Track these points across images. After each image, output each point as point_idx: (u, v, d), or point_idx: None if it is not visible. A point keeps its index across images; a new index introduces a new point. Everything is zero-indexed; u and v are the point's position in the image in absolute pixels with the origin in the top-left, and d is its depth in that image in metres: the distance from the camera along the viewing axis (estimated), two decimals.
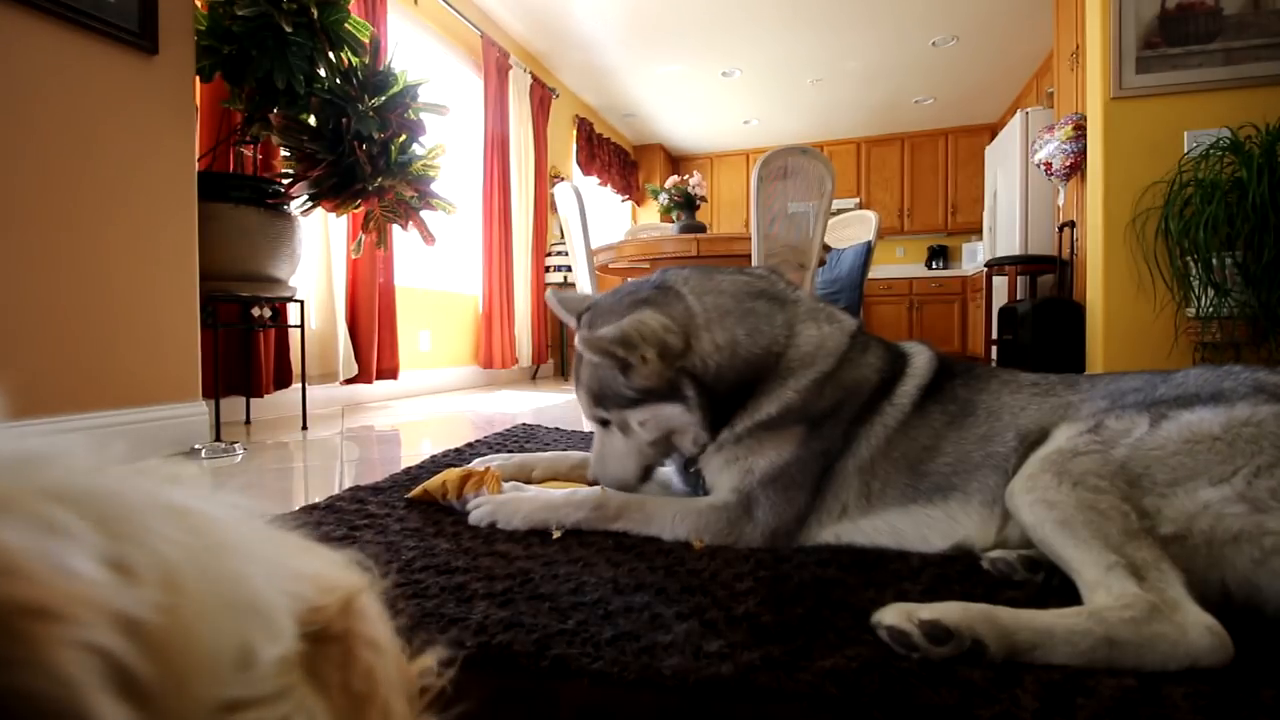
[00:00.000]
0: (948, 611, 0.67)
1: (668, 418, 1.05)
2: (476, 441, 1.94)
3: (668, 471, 1.31)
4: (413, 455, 2.01)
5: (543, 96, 5.60)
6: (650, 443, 1.09)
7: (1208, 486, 0.76)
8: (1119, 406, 0.90)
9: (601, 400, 1.08)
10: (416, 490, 1.23)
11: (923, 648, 0.65)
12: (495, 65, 4.87)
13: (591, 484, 1.27)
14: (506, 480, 1.22)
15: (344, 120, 2.35)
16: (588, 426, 1.11)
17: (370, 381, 3.55)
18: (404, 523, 1.12)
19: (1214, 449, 0.78)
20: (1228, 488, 0.75)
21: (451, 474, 1.19)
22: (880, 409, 1.04)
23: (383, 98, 2.43)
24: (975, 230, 7.18)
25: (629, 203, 7.91)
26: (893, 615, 0.69)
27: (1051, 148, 3.94)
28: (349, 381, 3.42)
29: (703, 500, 1.06)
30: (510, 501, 1.09)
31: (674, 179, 3.78)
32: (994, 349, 4.56)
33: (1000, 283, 4.73)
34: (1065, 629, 0.66)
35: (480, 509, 1.10)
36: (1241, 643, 0.66)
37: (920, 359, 1.11)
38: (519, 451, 1.75)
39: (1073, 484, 0.80)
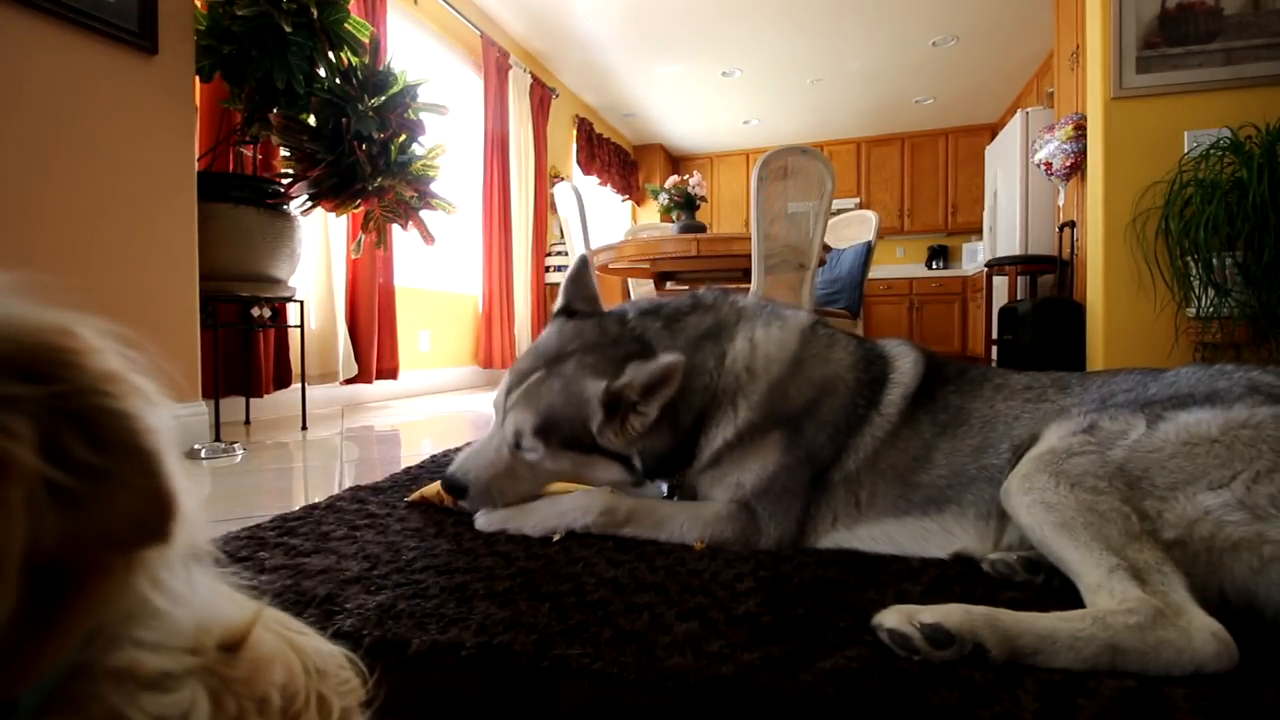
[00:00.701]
0: (949, 614, 0.67)
1: (602, 473, 1.07)
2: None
3: None
4: (413, 455, 2.01)
5: (543, 96, 5.60)
6: (560, 478, 1.10)
7: (1207, 491, 0.75)
8: (1111, 406, 0.89)
9: (550, 433, 1.03)
10: (414, 495, 1.23)
11: (924, 651, 0.65)
12: (495, 65, 4.87)
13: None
14: None
15: (344, 120, 2.35)
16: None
17: (370, 381, 3.55)
18: (405, 523, 1.12)
19: (1212, 452, 0.77)
20: (1227, 493, 0.74)
21: None
22: (868, 418, 1.02)
23: (383, 98, 2.43)
24: (975, 230, 7.18)
25: (629, 203, 7.91)
26: (894, 618, 0.68)
27: (1051, 148, 3.94)
28: (349, 381, 3.42)
29: (709, 507, 1.05)
30: (520, 510, 1.08)
31: (674, 179, 3.78)
32: (994, 349, 4.56)
33: (1000, 283, 4.73)
34: (1068, 634, 0.65)
35: (488, 518, 1.08)
36: (1242, 642, 0.66)
37: (905, 362, 1.08)
38: None
39: (1071, 485, 0.79)
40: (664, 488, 1.19)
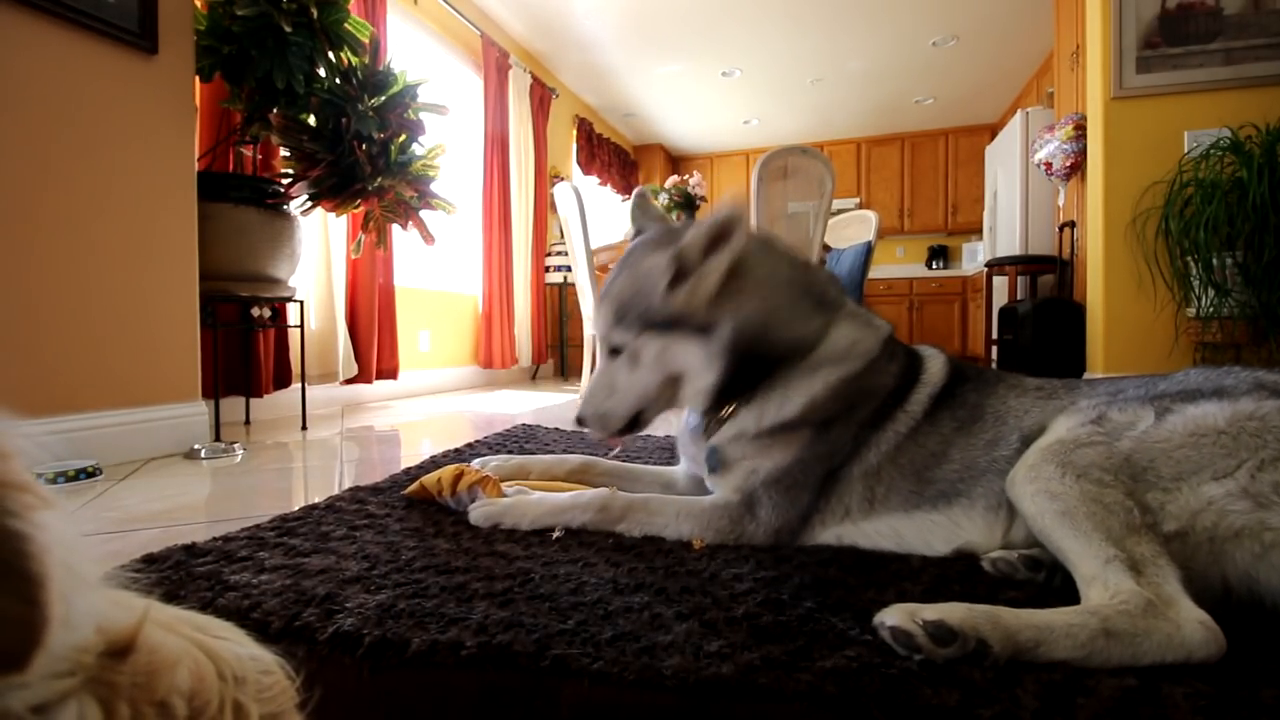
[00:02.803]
0: (952, 612, 0.67)
1: (685, 359, 1.04)
2: (476, 442, 1.94)
3: (670, 471, 1.31)
4: (413, 455, 2.01)
5: (542, 96, 5.60)
6: (656, 384, 1.06)
7: (1211, 481, 0.76)
8: (1120, 399, 0.90)
9: (624, 316, 1.06)
10: (413, 486, 1.24)
11: (926, 649, 0.65)
12: (495, 65, 4.87)
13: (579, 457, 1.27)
14: (505, 482, 1.22)
15: (344, 120, 2.35)
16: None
17: (370, 381, 3.55)
18: (404, 523, 1.12)
19: (1218, 442, 0.78)
20: (1231, 482, 0.75)
21: (446, 471, 1.19)
22: (893, 415, 1.03)
23: (382, 97, 2.43)
24: (975, 230, 7.18)
25: (629, 203, 7.90)
26: (895, 616, 0.68)
27: (1052, 148, 3.94)
28: (349, 381, 3.42)
29: (705, 500, 1.06)
30: (516, 505, 1.09)
31: (674, 179, 3.79)
32: (994, 349, 4.56)
33: (1000, 283, 4.73)
34: (1064, 623, 0.67)
35: (484, 510, 1.10)
36: (1242, 642, 0.66)
37: (935, 363, 1.10)
38: (519, 452, 1.75)
39: (1076, 476, 0.80)
40: (681, 480, 1.22)
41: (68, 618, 0.26)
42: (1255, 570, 0.72)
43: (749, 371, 1.04)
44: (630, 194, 7.73)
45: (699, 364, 1.04)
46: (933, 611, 0.67)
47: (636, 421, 1.11)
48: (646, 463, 1.47)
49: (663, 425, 1.33)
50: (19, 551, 0.23)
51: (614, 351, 1.09)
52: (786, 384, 1.04)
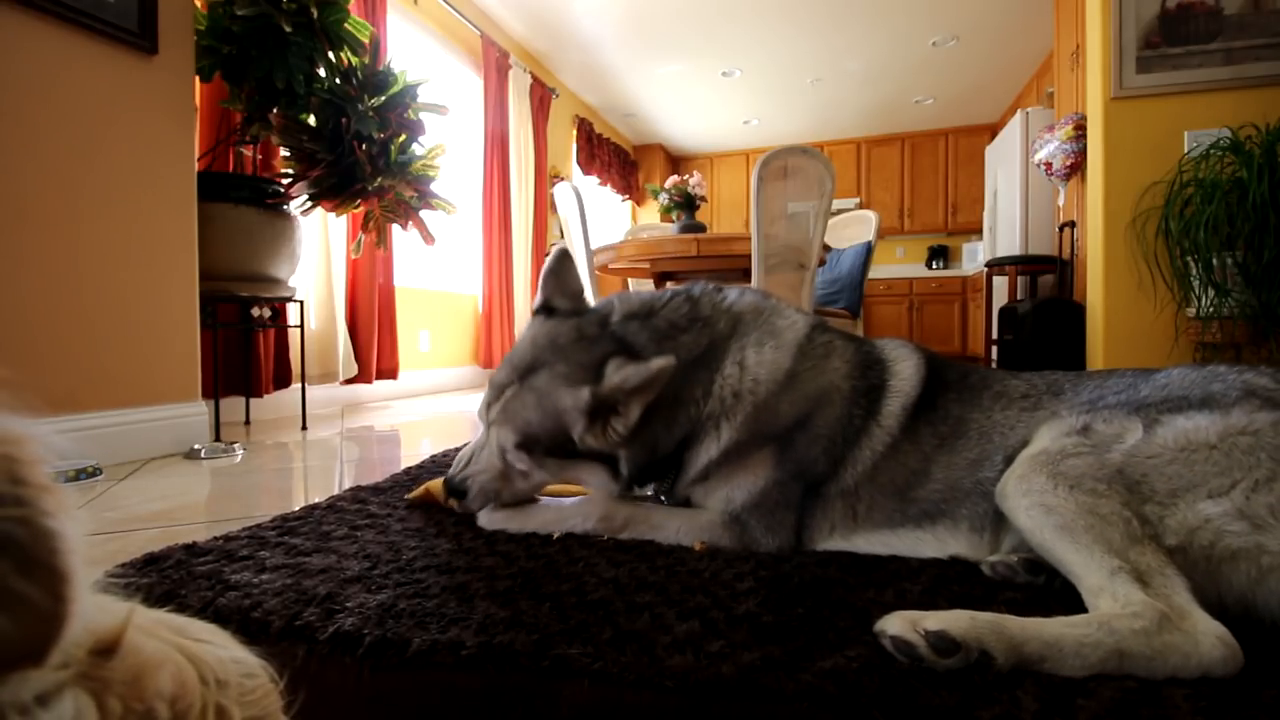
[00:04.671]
0: (955, 621, 0.65)
1: (589, 476, 1.05)
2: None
3: None
4: (413, 455, 2.01)
5: (542, 96, 5.60)
6: (548, 484, 1.10)
7: (1206, 499, 0.74)
8: (1103, 407, 0.88)
9: (533, 444, 1.02)
10: (418, 491, 1.23)
11: (928, 659, 0.63)
12: (495, 65, 4.87)
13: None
14: None
15: (344, 120, 2.35)
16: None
17: (370, 381, 3.55)
18: (405, 523, 1.12)
19: (1211, 459, 0.76)
20: (1227, 502, 0.74)
21: None
22: (867, 430, 1.00)
23: (382, 98, 2.43)
24: (975, 230, 7.18)
25: (629, 203, 7.91)
26: (897, 624, 0.67)
27: (1052, 148, 3.94)
28: (349, 381, 3.42)
29: (705, 514, 1.05)
30: (522, 512, 1.09)
31: (674, 179, 3.78)
32: (994, 349, 4.56)
33: (1000, 283, 4.73)
34: (1074, 640, 0.64)
35: (490, 515, 1.10)
36: (1241, 642, 0.66)
37: (905, 367, 1.05)
38: None
39: (1070, 487, 0.78)
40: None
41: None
42: (1253, 593, 0.71)
43: (666, 461, 1.05)
44: (630, 194, 7.73)
45: (605, 480, 1.05)
46: (935, 621, 0.65)
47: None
48: None
49: None
50: (52, 549, 0.24)
51: (504, 458, 1.06)
52: (707, 436, 1.03)
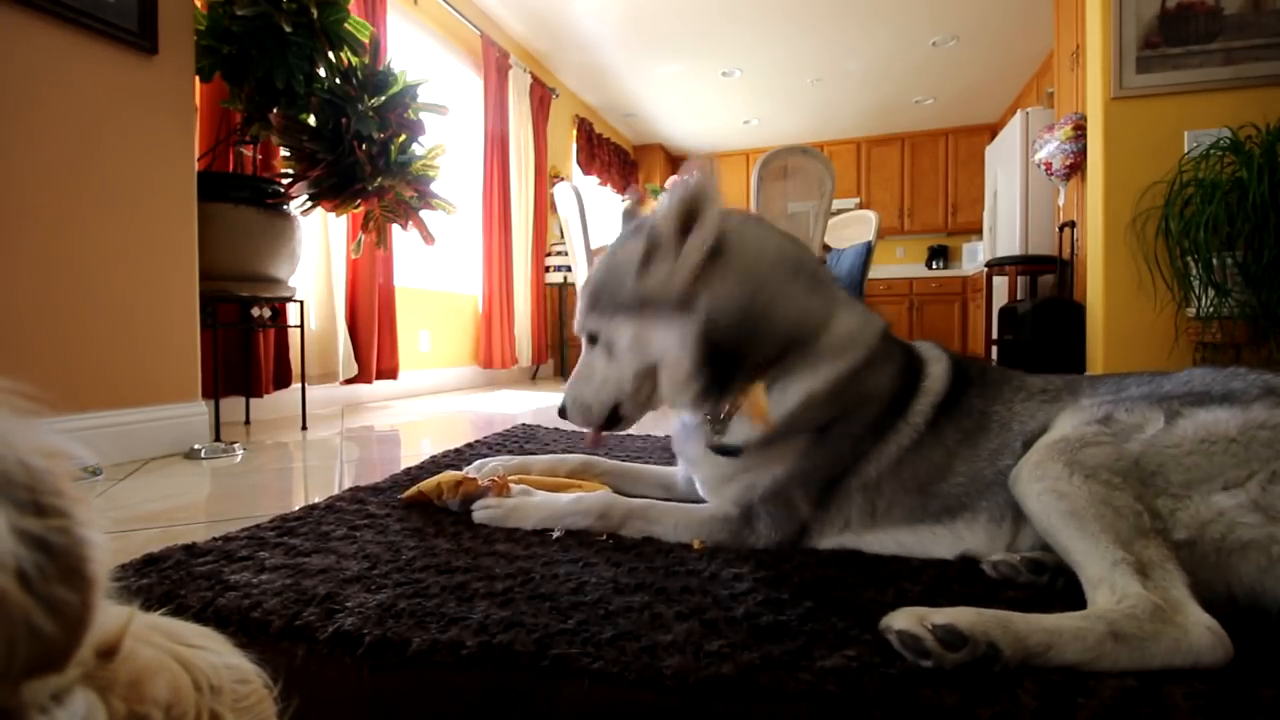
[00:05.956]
0: (961, 616, 0.66)
1: (659, 343, 0.99)
2: (476, 442, 1.94)
3: (670, 471, 1.30)
4: (413, 455, 2.01)
5: (542, 96, 5.60)
6: (632, 375, 1.02)
7: (1221, 491, 0.75)
8: (1126, 400, 0.88)
9: (599, 301, 1.03)
10: (411, 491, 1.23)
11: (936, 654, 0.63)
12: (495, 65, 4.87)
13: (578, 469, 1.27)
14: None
15: (344, 120, 2.35)
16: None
17: (370, 381, 3.55)
18: (404, 523, 1.12)
19: (1229, 451, 0.77)
20: (1242, 493, 0.74)
21: (447, 477, 1.19)
22: (895, 427, 0.99)
23: (382, 97, 2.43)
24: (975, 230, 7.18)
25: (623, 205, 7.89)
26: (904, 619, 0.67)
27: (1052, 148, 3.94)
28: (349, 381, 3.42)
29: (704, 509, 1.05)
30: (519, 508, 1.10)
31: (674, 179, 3.78)
32: (994, 349, 4.56)
33: (1000, 283, 4.73)
34: (1073, 627, 0.66)
35: (488, 512, 1.11)
36: (1242, 643, 0.66)
37: (937, 368, 1.05)
38: (519, 452, 1.75)
39: (1085, 476, 0.79)
40: (681, 482, 1.21)
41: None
42: (1262, 583, 0.72)
43: (733, 362, 0.98)
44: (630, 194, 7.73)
45: (674, 349, 0.98)
46: (942, 615, 0.66)
47: (616, 417, 1.07)
48: (646, 463, 1.47)
49: (663, 425, 1.33)
50: (86, 557, 0.25)
51: (591, 340, 1.07)
52: (785, 376, 0.98)
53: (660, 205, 0.98)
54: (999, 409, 0.99)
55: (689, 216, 0.96)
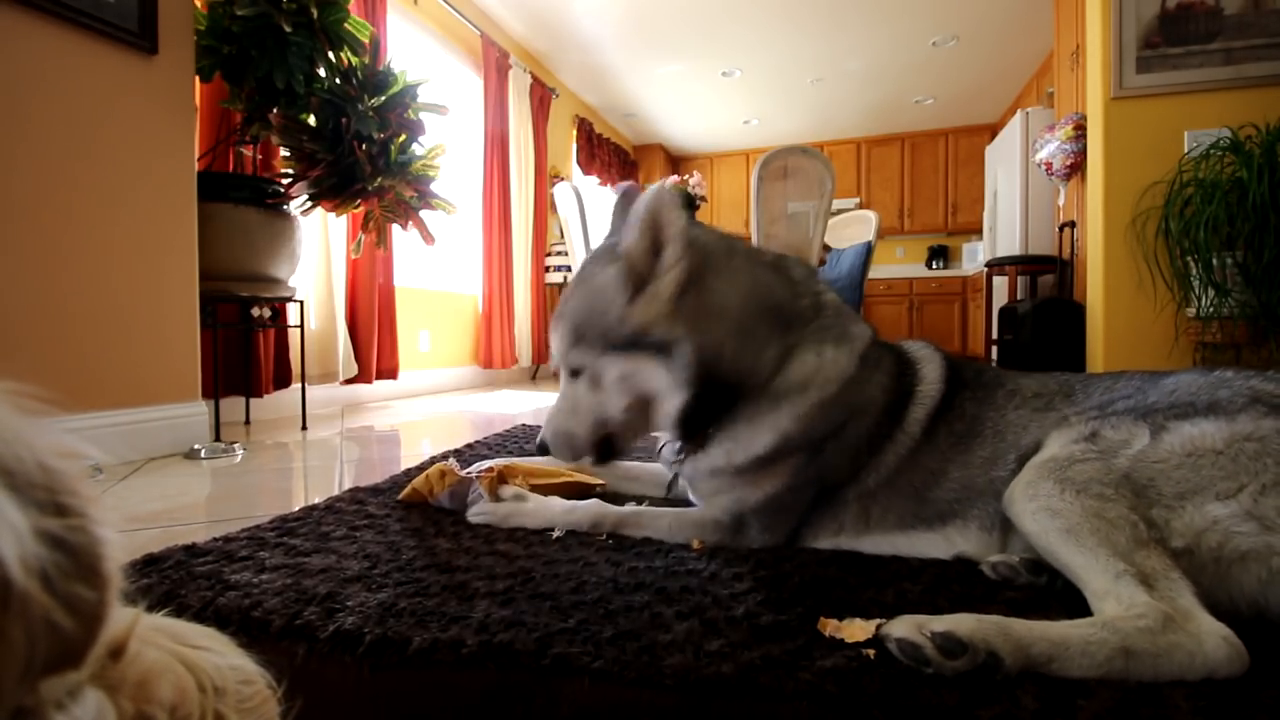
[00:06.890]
0: (961, 623, 0.65)
1: (651, 381, 0.98)
2: (476, 442, 1.94)
3: (660, 468, 1.30)
4: (413, 455, 2.01)
5: (542, 96, 5.60)
6: (623, 408, 1.01)
7: (1214, 501, 0.75)
8: (1111, 414, 0.88)
9: (582, 337, 1.00)
10: (405, 491, 1.24)
11: (935, 662, 0.63)
12: (495, 65, 4.87)
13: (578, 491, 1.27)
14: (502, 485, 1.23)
15: (344, 120, 2.35)
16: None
17: (370, 381, 3.54)
18: (404, 523, 1.12)
19: (1217, 464, 0.77)
20: (1235, 504, 0.74)
21: (433, 471, 1.21)
22: (892, 437, 0.99)
23: (382, 97, 2.43)
24: (975, 230, 7.18)
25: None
26: (903, 627, 0.66)
27: (1052, 148, 3.94)
28: (349, 381, 3.42)
29: (694, 513, 1.05)
30: (513, 513, 1.10)
31: (674, 179, 3.78)
32: (994, 349, 4.56)
33: (1000, 283, 4.73)
34: (1080, 640, 0.64)
35: (482, 516, 1.12)
36: (1243, 642, 0.66)
37: (931, 372, 1.05)
38: (519, 453, 1.75)
39: (1077, 491, 0.78)
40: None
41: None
42: (1264, 595, 0.71)
43: (719, 396, 0.98)
44: None
45: (665, 387, 0.98)
46: (941, 623, 0.65)
47: (609, 447, 1.07)
48: (646, 463, 1.47)
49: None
50: (101, 555, 0.26)
51: (574, 373, 1.04)
52: (752, 417, 0.98)
53: (624, 230, 0.97)
54: (992, 415, 0.99)
55: (655, 236, 0.95)
